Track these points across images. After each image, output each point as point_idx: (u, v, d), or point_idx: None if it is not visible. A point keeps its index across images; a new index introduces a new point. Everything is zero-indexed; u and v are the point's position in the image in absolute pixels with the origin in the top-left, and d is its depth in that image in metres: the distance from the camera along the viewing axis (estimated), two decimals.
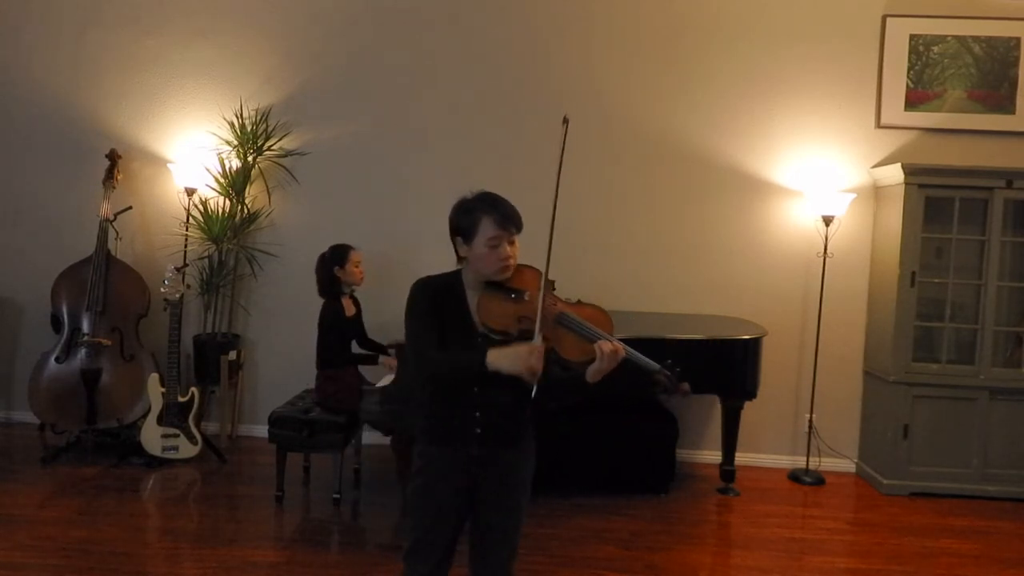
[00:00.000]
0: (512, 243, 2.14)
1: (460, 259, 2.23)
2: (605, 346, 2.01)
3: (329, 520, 4.04)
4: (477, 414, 2.17)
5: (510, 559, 2.29)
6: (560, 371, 2.21)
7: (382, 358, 4.35)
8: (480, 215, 2.12)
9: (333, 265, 4.26)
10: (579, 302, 2.17)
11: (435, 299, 2.19)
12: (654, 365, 2.06)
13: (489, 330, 2.12)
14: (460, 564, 2.32)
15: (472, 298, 2.19)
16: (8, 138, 5.26)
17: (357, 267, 4.31)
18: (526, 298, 2.11)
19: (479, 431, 2.17)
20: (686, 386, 2.05)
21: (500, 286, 2.15)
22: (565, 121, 2.09)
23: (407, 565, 2.28)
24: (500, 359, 2.03)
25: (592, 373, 2.05)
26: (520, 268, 2.18)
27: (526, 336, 2.08)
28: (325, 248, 4.36)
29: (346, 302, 4.32)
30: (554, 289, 2.14)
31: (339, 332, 4.26)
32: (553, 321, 2.08)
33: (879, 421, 4.78)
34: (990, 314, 4.60)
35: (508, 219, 2.12)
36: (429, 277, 2.25)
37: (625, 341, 2.08)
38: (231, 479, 4.49)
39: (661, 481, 4.47)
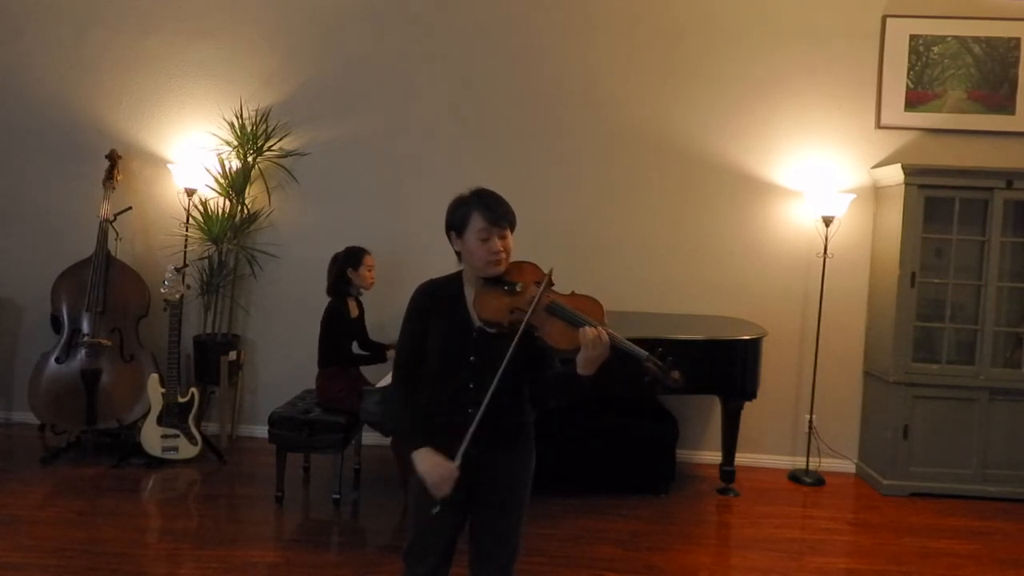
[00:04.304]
0: (504, 238, 2.16)
1: (459, 256, 2.25)
2: (588, 332, 2.00)
3: (329, 520, 4.04)
4: (470, 411, 2.16)
5: (511, 560, 2.29)
6: (558, 366, 2.23)
7: (390, 353, 4.37)
8: (471, 210, 2.16)
9: (346, 266, 4.30)
10: (573, 293, 2.19)
11: (428, 305, 2.23)
12: (642, 353, 2.03)
13: (485, 323, 2.15)
14: (460, 564, 2.32)
15: (471, 295, 2.21)
16: (8, 138, 5.26)
17: (370, 271, 4.34)
18: (518, 290, 2.15)
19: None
20: (677, 374, 2.00)
21: (497, 280, 2.18)
22: (550, 278, 2.16)
23: (406, 565, 2.28)
24: (422, 458, 2.15)
25: (582, 363, 2.03)
26: (519, 263, 2.22)
27: (515, 327, 2.10)
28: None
29: (351, 303, 4.34)
30: (552, 283, 2.17)
31: (342, 332, 4.28)
32: (544, 310, 2.11)
33: (879, 421, 4.78)
34: (990, 314, 4.60)
35: (498, 214, 2.15)
36: (430, 281, 2.28)
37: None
38: (231, 480, 4.49)
39: (661, 481, 4.47)
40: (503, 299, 2.15)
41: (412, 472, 2.28)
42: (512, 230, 2.19)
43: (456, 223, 2.18)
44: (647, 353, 2.04)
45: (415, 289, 2.28)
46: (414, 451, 2.18)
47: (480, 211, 2.14)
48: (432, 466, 2.13)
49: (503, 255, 2.16)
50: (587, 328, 2.01)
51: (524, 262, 2.22)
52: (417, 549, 2.26)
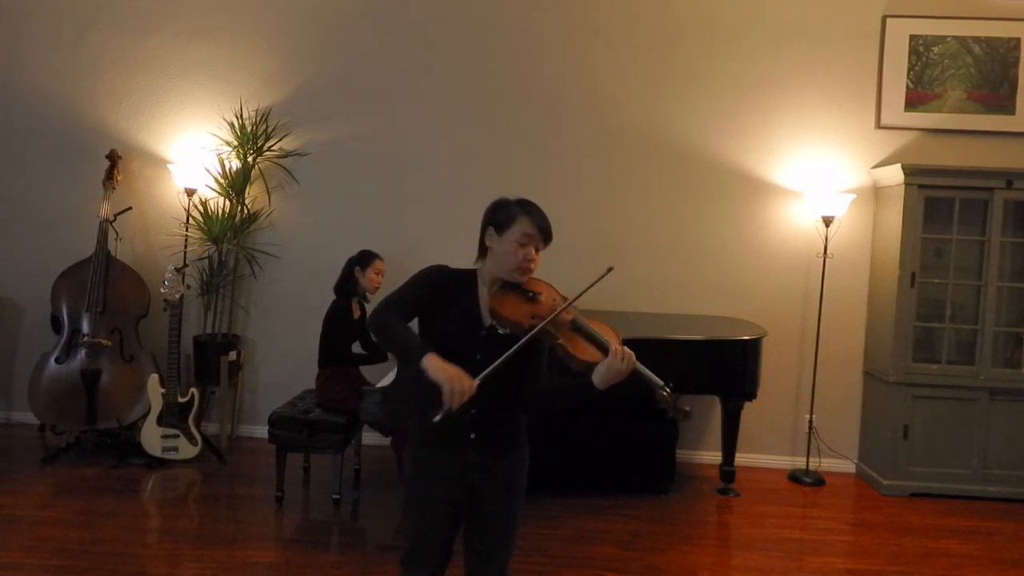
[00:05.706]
0: (537, 251, 2.19)
1: (482, 254, 2.24)
2: (627, 352, 2.07)
3: (329, 520, 4.04)
4: (473, 411, 2.16)
5: (506, 562, 2.29)
6: (559, 378, 2.26)
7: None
8: (519, 213, 2.18)
9: (355, 265, 4.33)
10: (592, 319, 2.23)
11: (441, 287, 2.20)
12: (659, 382, 2.14)
13: (500, 321, 2.15)
14: (456, 565, 2.31)
15: (484, 294, 2.21)
16: (8, 138, 5.26)
17: (377, 275, 4.37)
18: (541, 300, 2.18)
19: (473, 435, 2.17)
20: (688, 409, 2.15)
21: (517, 287, 2.20)
22: (609, 269, 2.18)
23: (404, 569, 2.28)
24: (435, 364, 2.00)
25: (601, 379, 2.08)
26: (535, 280, 2.24)
27: (535, 334, 2.11)
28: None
29: (354, 305, 4.36)
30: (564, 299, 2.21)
31: (343, 333, 4.29)
32: (568, 326, 2.15)
33: (879, 421, 4.78)
34: (990, 315, 4.60)
35: (542, 226, 2.18)
36: (446, 266, 2.26)
37: (625, 342, 2.12)
38: (231, 480, 4.49)
39: (661, 481, 4.47)
40: (524, 305, 2.16)
41: (405, 476, 2.28)
42: (545, 246, 2.21)
43: (500, 221, 2.18)
44: (662, 383, 2.14)
45: (431, 266, 2.23)
46: (423, 358, 2.02)
47: (529, 217, 2.17)
48: (451, 373, 1.98)
49: (534, 265, 2.19)
50: (618, 350, 2.07)
51: (541, 280, 2.25)
52: (415, 554, 2.26)
